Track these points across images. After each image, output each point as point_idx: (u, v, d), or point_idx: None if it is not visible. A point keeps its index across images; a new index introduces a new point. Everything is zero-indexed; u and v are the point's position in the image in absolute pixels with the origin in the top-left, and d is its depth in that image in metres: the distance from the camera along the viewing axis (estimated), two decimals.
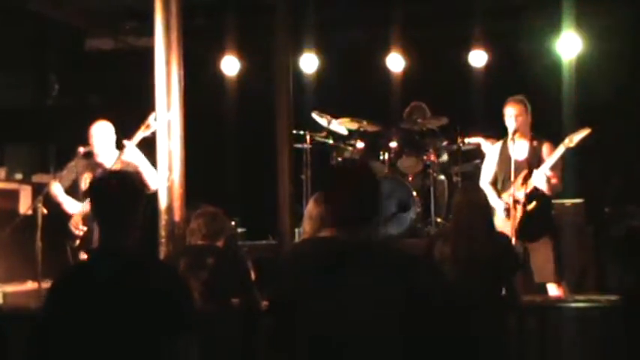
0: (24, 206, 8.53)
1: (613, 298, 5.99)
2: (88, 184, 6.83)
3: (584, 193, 8.28)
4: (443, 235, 5.41)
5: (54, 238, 6.84)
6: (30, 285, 7.08)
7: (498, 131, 6.87)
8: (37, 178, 9.27)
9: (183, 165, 6.57)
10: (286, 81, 8.37)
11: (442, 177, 8.60)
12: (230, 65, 10.18)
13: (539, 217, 6.32)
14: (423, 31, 9.97)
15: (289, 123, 8.31)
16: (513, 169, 6.30)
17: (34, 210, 6.79)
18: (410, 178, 8.40)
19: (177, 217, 6.45)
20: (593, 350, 5.57)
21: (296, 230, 7.63)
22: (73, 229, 6.80)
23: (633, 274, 5.19)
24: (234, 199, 9.04)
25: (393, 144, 8.54)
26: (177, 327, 3.15)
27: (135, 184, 3.41)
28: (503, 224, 6.26)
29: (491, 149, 6.81)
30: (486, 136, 8.08)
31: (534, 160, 6.37)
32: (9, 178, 9.31)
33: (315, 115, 8.73)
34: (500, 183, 6.53)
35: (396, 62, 10.00)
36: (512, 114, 6.43)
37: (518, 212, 6.27)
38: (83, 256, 6.55)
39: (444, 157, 8.68)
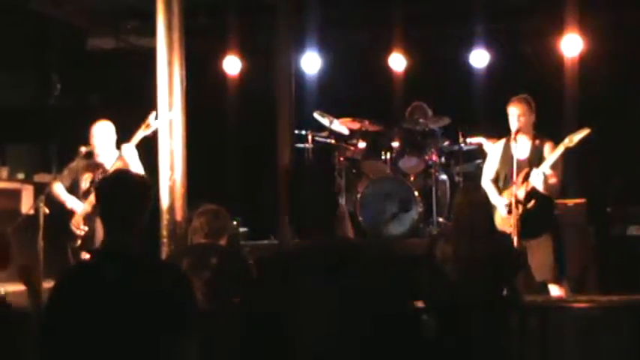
0: (26, 206, 8.53)
1: (614, 298, 6.00)
2: (88, 184, 6.85)
3: (585, 193, 8.28)
4: (444, 234, 5.41)
5: (56, 238, 6.84)
6: None
7: (500, 131, 6.87)
8: (38, 177, 9.27)
9: (185, 164, 6.58)
10: (288, 81, 8.39)
11: (444, 177, 8.60)
12: (232, 65, 10.18)
13: (539, 216, 6.31)
14: (424, 31, 9.98)
15: (291, 122, 8.32)
16: (515, 168, 6.29)
17: (36, 210, 6.79)
18: (412, 178, 8.40)
19: (178, 216, 6.46)
20: (595, 350, 5.57)
21: None
22: (74, 229, 6.80)
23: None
24: (235, 199, 9.05)
25: (395, 144, 8.54)
26: (179, 327, 3.15)
27: (142, 184, 3.40)
28: (504, 222, 6.26)
29: (493, 147, 6.81)
30: (488, 136, 8.09)
31: (535, 159, 6.36)
32: (11, 177, 9.30)
33: (316, 115, 8.73)
34: (502, 181, 6.53)
35: (397, 62, 10.00)
36: (515, 113, 6.43)
37: (519, 211, 6.27)
38: (84, 256, 6.54)
39: (444, 159, 8.68)
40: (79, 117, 8.10)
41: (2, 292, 5.41)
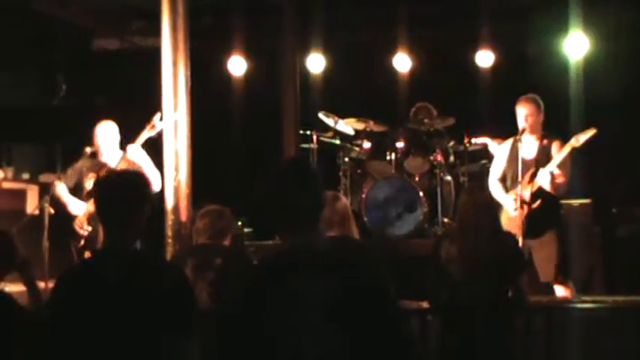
0: (31, 206, 8.55)
1: (619, 298, 5.99)
2: (92, 185, 6.86)
3: (591, 194, 8.26)
4: (449, 235, 5.40)
5: (61, 238, 6.85)
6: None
7: (505, 131, 6.86)
8: (43, 177, 9.29)
9: (190, 165, 6.58)
10: (293, 81, 8.39)
11: (449, 177, 8.59)
12: (237, 65, 10.18)
13: (544, 216, 6.30)
14: (429, 31, 9.97)
15: (296, 123, 8.33)
16: (521, 168, 6.28)
17: (41, 210, 6.80)
18: (416, 179, 8.39)
19: (183, 217, 6.46)
20: (600, 351, 5.55)
21: None
22: (77, 229, 6.80)
23: None
24: (240, 199, 9.04)
25: (400, 144, 8.52)
26: (179, 327, 3.15)
27: (139, 183, 3.40)
28: (509, 222, 6.25)
29: (501, 146, 6.78)
30: (493, 137, 8.07)
31: (543, 159, 6.34)
32: (16, 177, 9.33)
33: (321, 116, 8.73)
34: (509, 180, 6.51)
35: (402, 62, 10.00)
36: (522, 113, 6.40)
37: (525, 211, 6.26)
38: (87, 256, 6.55)
39: (451, 159, 8.67)
40: (84, 117, 8.11)
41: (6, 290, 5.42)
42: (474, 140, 8.41)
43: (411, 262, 6.67)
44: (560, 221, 6.47)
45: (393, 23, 9.82)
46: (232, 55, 10.13)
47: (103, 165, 6.88)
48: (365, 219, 8.06)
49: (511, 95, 6.65)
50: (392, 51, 9.96)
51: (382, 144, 8.68)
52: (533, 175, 6.30)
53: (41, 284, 6.68)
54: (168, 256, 6.30)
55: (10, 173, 9.34)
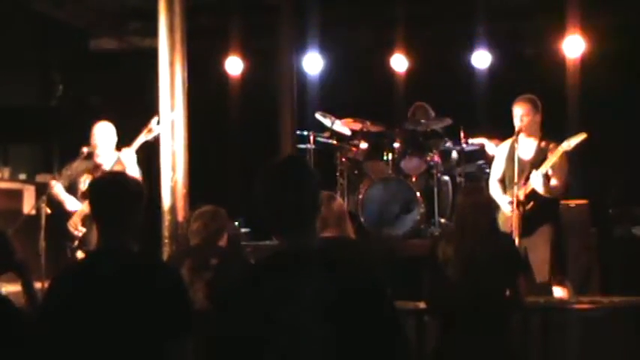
0: (27, 206, 8.54)
1: (616, 299, 5.98)
2: (87, 186, 6.85)
3: (588, 194, 8.27)
4: (446, 235, 5.40)
5: (57, 238, 6.84)
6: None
7: (502, 132, 6.86)
8: (40, 178, 9.27)
9: (187, 165, 6.59)
10: (290, 81, 8.39)
11: (446, 178, 8.60)
12: (234, 65, 10.19)
13: (539, 216, 6.29)
14: (426, 31, 9.98)
15: (293, 123, 8.33)
16: (518, 169, 6.28)
17: (38, 210, 6.79)
18: (413, 179, 8.39)
19: (180, 217, 6.47)
20: (597, 352, 5.55)
21: None
22: (71, 229, 6.79)
23: None
24: (237, 200, 9.04)
25: (397, 144, 8.53)
26: (175, 327, 3.15)
27: (133, 185, 3.41)
28: (506, 222, 6.25)
29: (501, 146, 6.77)
30: (490, 137, 8.08)
31: (539, 161, 6.33)
32: (12, 178, 9.32)
33: (318, 116, 8.73)
34: (508, 181, 6.50)
35: (399, 63, 10.01)
36: (518, 114, 6.39)
37: (520, 211, 6.26)
38: (81, 256, 6.54)
39: (454, 155, 8.66)
40: (81, 118, 8.12)
41: (3, 292, 5.41)
42: (470, 140, 8.42)
43: (408, 263, 6.67)
44: (557, 221, 6.46)
45: (390, 23, 9.84)
46: (229, 55, 10.14)
47: (98, 166, 6.87)
48: (362, 219, 8.06)
49: (508, 96, 6.64)
50: (389, 51, 9.96)
51: (379, 144, 8.68)
52: (529, 177, 6.30)
53: (38, 284, 6.68)
54: (165, 256, 6.30)
55: (6, 173, 9.33)
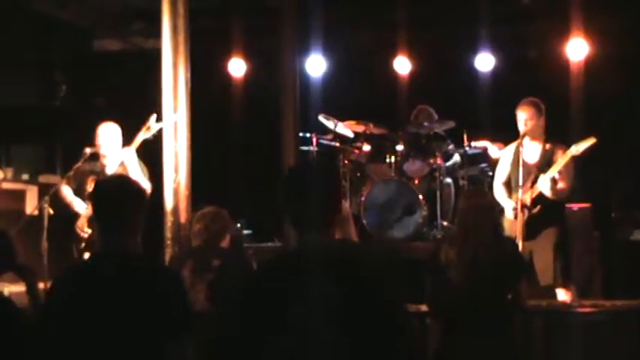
0: (30, 206, 8.54)
1: (619, 303, 5.97)
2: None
3: (591, 197, 8.26)
4: (448, 238, 5.39)
5: (60, 239, 6.84)
6: None
7: (505, 135, 6.85)
8: (43, 178, 9.28)
9: (190, 166, 6.58)
10: (292, 83, 8.37)
11: (448, 180, 8.59)
12: (236, 67, 10.19)
13: (545, 220, 6.29)
14: (429, 34, 9.97)
15: (295, 125, 8.30)
16: (523, 172, 6.26)
17: (40, 210, 6.80)
18: (416, 182, 8.39)
19: (183, 218, 6.47)
20: (599, 355, 5.55)
21: None
22: (78, 231, 6.82)
23: None
24: (239, 201, 9.04)
25: (400, 147, 8.52)
26: (175, 329, 3.15)
27: (135, 187, 3.41)
28: (511, 226, 6.25)
29: (506, 150, 6.77)
30: (493, 140, 8.07)
31: (544, 164, 6.32)
32: (15, 178, 9.32)
33: (321, 118, 8.73)
34: (513, 184, 6.50)
35: (402, 65, 10.00)
36: (522, 118, 6.38)
37: (525, 215, 6.25)
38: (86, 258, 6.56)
39: (457, 158, 8.66)
40: (84, 118, 8.12)
41: (6, 292, 5.42)
42: (473, 144, 8.41)
43: (410, 265, 6.66)
44: (562, 225, 6.45)
45: (394, 26, 9.82)
46: (232, 57, 10.14)
47: (102, 167, 6.87)
48: (364, 222, 8.06)
49: (511, 99, 6.63)
50: (392, 53, 9.96)
51: (382, 147, 8.68)
52: (535, 180, 6.29)
53: (40, 285, 6.68)
54: (168, 257, 6.30)
55: (9, 174, 9.33)
